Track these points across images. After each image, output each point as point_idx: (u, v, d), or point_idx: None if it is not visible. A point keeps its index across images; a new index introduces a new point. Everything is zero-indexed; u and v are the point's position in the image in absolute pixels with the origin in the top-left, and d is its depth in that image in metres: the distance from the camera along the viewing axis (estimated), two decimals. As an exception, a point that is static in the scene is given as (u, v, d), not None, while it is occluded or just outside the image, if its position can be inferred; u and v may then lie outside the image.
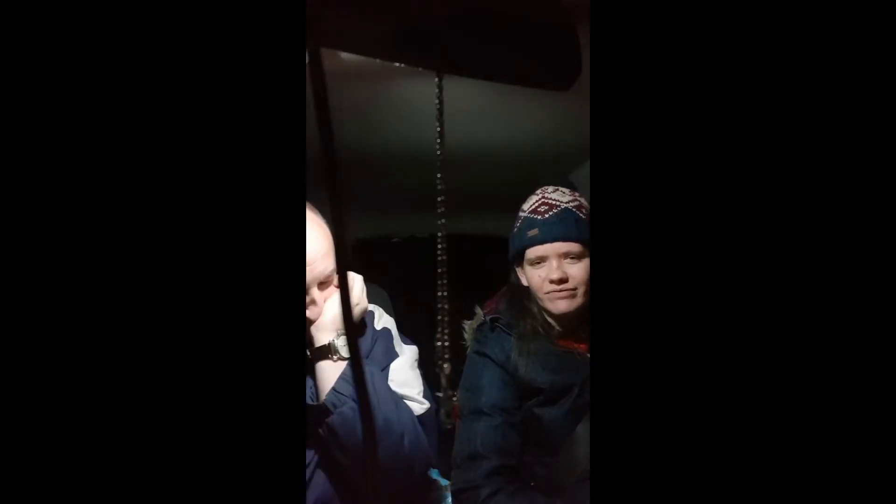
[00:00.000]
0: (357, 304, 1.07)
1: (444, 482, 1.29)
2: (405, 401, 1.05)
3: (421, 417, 1.05)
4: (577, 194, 1.26)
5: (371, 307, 1.17)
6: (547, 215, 1.21)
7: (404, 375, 1.10)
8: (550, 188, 1.27)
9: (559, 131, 1.52)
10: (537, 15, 0.48)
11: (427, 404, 1.08)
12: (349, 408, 0.97)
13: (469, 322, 1.35)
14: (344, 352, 1.02)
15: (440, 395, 0.84)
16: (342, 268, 0.41)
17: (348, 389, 0.98)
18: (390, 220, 2.86)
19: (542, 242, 1.20)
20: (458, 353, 1.28)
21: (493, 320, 1.27)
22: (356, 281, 1.08)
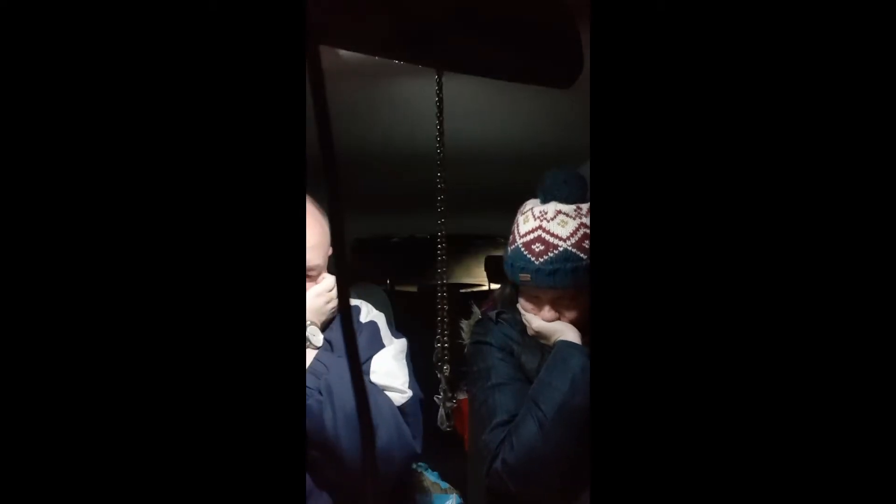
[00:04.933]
0: (328, 302, 1.06)
1: (444, 485, 1.29)
2: (386, 392, 1.03)
3: (402, 407, 1.03)
4: (582, 212, 1.11)
5: (357, 303, 1.18)
6: (541, 259, 1.09)
7: (388, 366, 1.08)
8: (551, 211, 1.12)
9: (559, 131, 1.52)
10: (537, 14, 0.48)
11: (409, 393, 1.06)
12: (315, 401, 0.96)
13: (467, 321, 1.34)
14: (314, 340, 1.02)
15: (440, 395, 0.83)
16: (342, 267, 0.41)
17: (314, 382, 0.97)
18: (390, 220, 2.85)
19: (533, 286, 1.13)
20: (458, 353, 1.27)
21: (498, 315, 1.26)
22: (327, 279, 1.07)
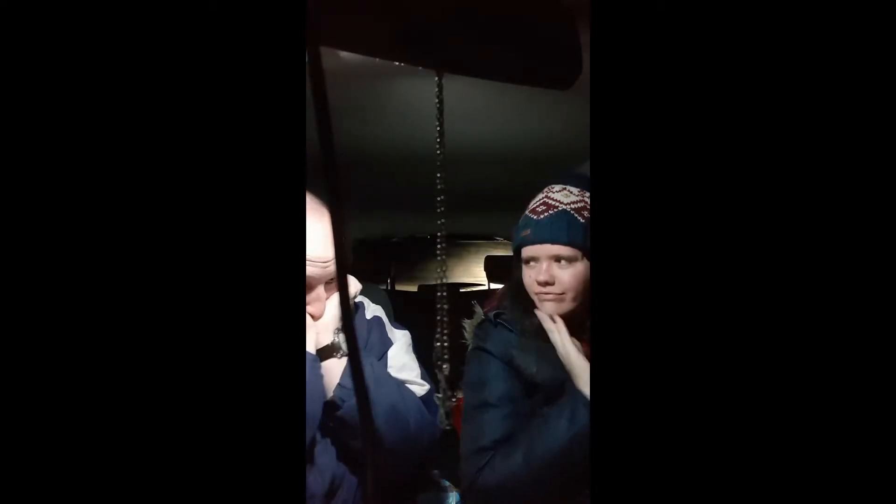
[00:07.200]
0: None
1: (445, 483, 1.29)
2: (406, 385, 1.11)
3: (423, 398, 1.11)
4: (585, 194, 1.23)
5: (359, 299, 1.22)
6: (542, 216, 1.19)
7: (402, 360, 1.15)
8: (557, 187, 1.24)
9: (559, 131, 1.52)
10: (537, 15, 0.48)
11: (427, 385, 1.14)
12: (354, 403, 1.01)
13: (469, 321, 1.34)
14: (346, 347, 1.04)
15: (440, 395, 0.84)
16: (342, 267, 0.41)
17: (351, 383, 1.01)
18: (390, 220, 2.86)
19: (532, 243, 1.19)
20: (457, 353, 1.28)
21: (496, 315, 1.27)
22: (351, 285, 1.13)
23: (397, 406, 1.02)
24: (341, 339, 1.06)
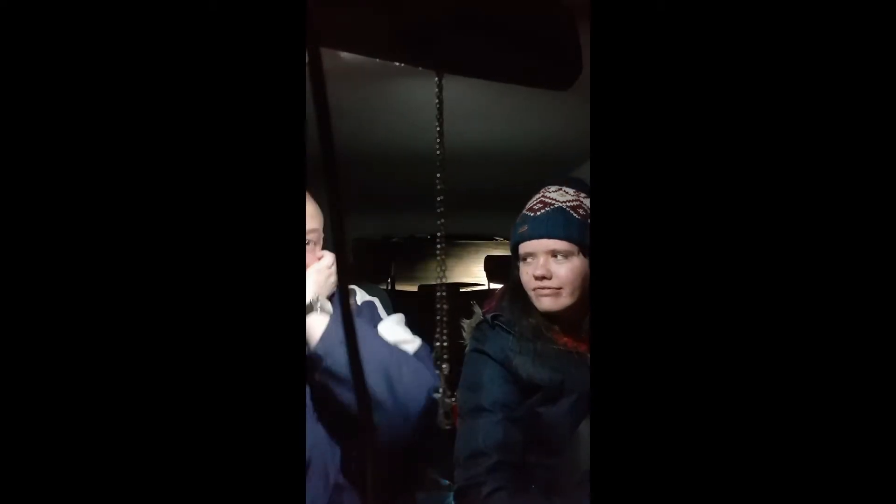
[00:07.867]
0: (329, 277, 1.10)
1: (444, 482, 1.29)
2: (399, 345, 1.09)
3: (416, 353, 1.09)
4: (581, 194, 1.26)
5: (351, 287, 1.21)
6: (539, 213, 1.23)
7: (393, 331, 1.13)
8: (553, 187, 1.27)
9: (559, 131, 1.53)
10: (537, 14, 0.48)
11: (418, 340, 1.12)
12: (339, 353, 1.00)
13: (468, 321, 1.34)
14: (327, 308, 1.05)
15: (438, 395, 0.84)
16: (342, 267, 0.41)
17: (337, 335, 1.01)
18: (390, 220, 2.86)
19: (529, 238, 1.21)
20: (457, 353, 1.28)
21: (493, 318, 1.27)
22: (327, 257, 1.11)
23: (387, 365, 1.00)
24: (320, 304, 1.04)
